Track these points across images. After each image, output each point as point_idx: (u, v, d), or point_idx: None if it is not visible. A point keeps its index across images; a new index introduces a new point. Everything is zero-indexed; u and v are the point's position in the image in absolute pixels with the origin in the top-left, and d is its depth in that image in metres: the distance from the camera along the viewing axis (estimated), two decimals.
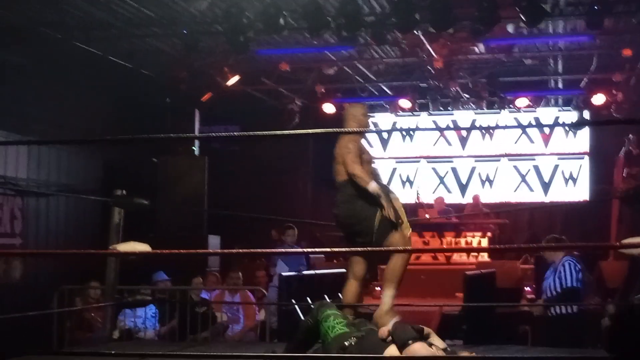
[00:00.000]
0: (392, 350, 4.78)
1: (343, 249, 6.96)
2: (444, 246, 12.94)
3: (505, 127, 19.30)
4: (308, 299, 8.76)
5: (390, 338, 4.93)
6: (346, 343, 4.90)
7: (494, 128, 17.01)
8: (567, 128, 15.80)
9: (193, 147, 14.52)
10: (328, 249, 10.15)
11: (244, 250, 8.28)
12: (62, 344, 7.72)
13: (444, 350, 5.00)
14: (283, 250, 10.99)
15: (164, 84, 13.08)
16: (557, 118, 15.72)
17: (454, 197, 15.95)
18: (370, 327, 5.33)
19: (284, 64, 13.06)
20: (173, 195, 11.95)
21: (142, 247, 5.31)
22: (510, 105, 15.09)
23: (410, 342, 4.70)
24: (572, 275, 8.67)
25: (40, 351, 6.46)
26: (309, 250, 13.10)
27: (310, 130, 12.41)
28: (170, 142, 12.79)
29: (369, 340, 5.00)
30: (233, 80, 13.23)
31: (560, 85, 15.14)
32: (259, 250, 10.54)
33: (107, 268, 7.06)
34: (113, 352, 4.95)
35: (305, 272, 10.42)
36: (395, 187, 16.20)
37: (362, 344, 4.91)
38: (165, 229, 11.67)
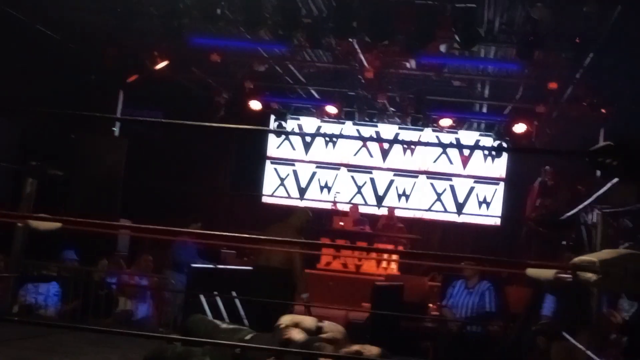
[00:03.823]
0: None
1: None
2: (355, 255, 12.94)
3: (427, 144, 19.55)
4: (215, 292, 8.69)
5: None
6: (236, 350, 4.62)
7: (417, 144, 17.22)
8: (486, 152, 16.06)
9: (113, 128, 14.21)
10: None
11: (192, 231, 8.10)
12: None
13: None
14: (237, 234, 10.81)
15: (90, 60, 12.76)
16: (477, 142, 16.00)
17: (369, 208, 16.05)
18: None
19: (215, 54, 12.86)
20: (89, 174, 11.63)
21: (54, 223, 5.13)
22: (434, 124, 15.28)
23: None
24: (494, 300, 9.18)
25: None
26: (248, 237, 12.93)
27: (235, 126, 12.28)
28: (91, 120, 12.49)
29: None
30: (162, 64, 12.99)
31: (484, 109, 15.42)
32: (212, 232, 10.33)
33: (13, 240, 6.82)
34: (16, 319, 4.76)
35: (216, 267, 10.33)
36: (313, 192, 16.28)
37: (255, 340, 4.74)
38: (77, 207, 11.35)
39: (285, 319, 4.85)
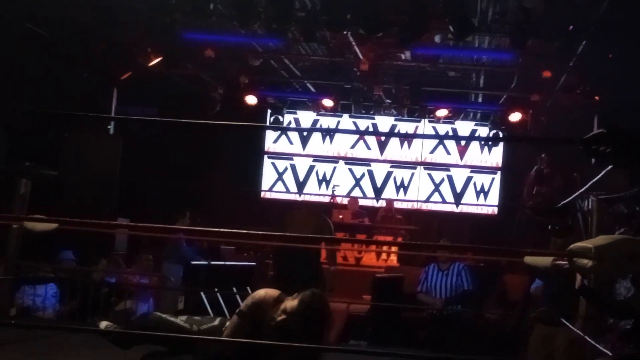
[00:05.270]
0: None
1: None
2: (355, 247, 12.92)
3: (424, 136, 19.52)
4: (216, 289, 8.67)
5: None
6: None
7: (414, 136, 17.18)
8: (482, 142, 16.05)
9: (108, 126, 14.17)
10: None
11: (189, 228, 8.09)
12: None
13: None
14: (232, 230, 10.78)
15: (82, 58, 12.69)
16: (473, 132, 15.99)
17: (368, 200, 16.06)
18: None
19: (209, 50, 12.80)
20: (83, 173, 11.58)
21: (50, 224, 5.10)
22: (431, 115, 15.28)
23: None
24: (471, 279, 9.33)
25: None
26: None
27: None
28: (84, 119, 12.42)
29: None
30: (155, 61, 12.92)
31: (480, 99, 15.40)
32: (210, 229, 10.32)
33: (8, 242, 6.80)
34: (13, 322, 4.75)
35: (214, 263, 10.31)
36: (312, 186, 16.28)
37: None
38: (72, 207, 11.32)
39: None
